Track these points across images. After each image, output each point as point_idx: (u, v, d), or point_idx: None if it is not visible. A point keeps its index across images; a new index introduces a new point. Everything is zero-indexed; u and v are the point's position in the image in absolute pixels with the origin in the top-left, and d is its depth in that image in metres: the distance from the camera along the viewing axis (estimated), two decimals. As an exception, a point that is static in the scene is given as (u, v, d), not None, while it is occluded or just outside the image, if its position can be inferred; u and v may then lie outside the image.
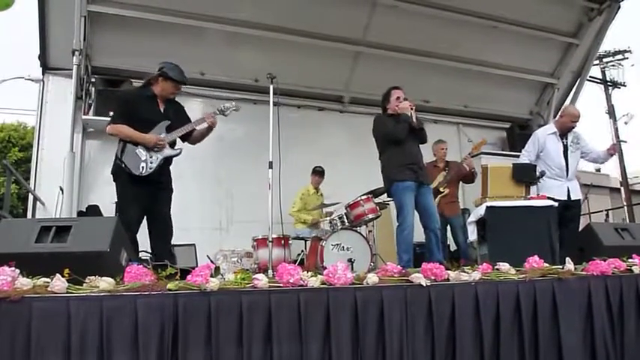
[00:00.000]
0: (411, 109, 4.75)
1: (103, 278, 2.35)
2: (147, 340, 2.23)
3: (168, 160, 4.27)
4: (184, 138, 4.40)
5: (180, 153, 4.34)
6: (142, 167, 4.09)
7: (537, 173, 4.86)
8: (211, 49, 7.02)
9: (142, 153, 4.11)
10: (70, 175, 5.88)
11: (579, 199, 5.25)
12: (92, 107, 6.54)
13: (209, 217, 6.98)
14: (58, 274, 2.30)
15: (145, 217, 4.16)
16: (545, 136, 5.23)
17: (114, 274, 2.43)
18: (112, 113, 4.38)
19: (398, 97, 4.91)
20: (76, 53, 5.92)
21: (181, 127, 4.28)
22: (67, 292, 2.27)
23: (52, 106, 6.63)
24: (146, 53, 6.75)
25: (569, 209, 5.07)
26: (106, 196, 5.87)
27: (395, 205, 4.80)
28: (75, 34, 5.89)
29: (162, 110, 4.30)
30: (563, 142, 5.20)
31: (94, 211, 5.87)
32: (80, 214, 5.92)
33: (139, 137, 4.11)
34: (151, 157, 4.14)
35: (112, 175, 4.19)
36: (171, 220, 4.30)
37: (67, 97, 6.11)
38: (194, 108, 7.40)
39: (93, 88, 6.59)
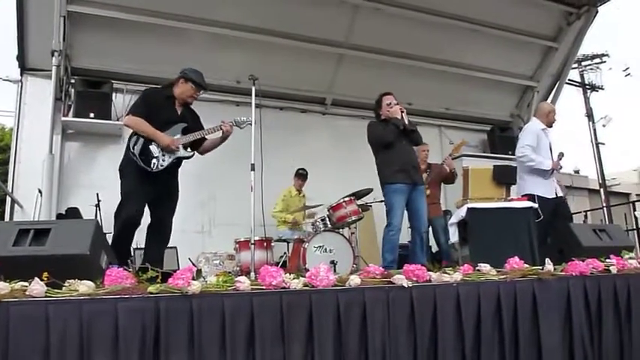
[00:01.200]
0: (402, 112, 4.85)
1: (83, 282, 2.32)
2: (128, 344, 2.21)
3: (178, 162, 4.29)
4: (195, 146, 4.42)
5: (192, 155, 4.38)
6: (154, 164, 4.09)
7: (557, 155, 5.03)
8: (193, 51, 6.97)
9: (154, 150, 4.11)
10: (49, 178, 5.80)
11: (562, 195, 5.33)
12: (72, 109, 6.47)
13: (191, 219, 6.92)
14: (36, 278, 2.26)
15: (150, 217, 4.19)
16: (539, 130, 5.24)
17: (94, 277, 2.40)
18: (131, 104, 4.39)
19: (389, 103, 4.99)
20: (56, 54, 5.84)
21: (194, 132, 4.32)
22: (46, 296, 2.24)
23: (30, 107, 6.54)
24: (127, 54, 6.72)
25: (561, 205, 5.15)
26: (85, 199, 5.82)
27: (385, 206, 4.84)
28: (54, 35, 5.82)
29: (179, 112, 4.33)
30: (548, 139, 5.24)
31: (73, 213, 5.81)
32: (59, 216, 5.85)
33: (154, 134, 4.10)
34: (163, 155, 4.15)
35: (119, 171, 4.15)
36: (171, 229, 4.33)
37: (46, 99, 6.02)
38: (176, 109, 7.38)
39: (72, 90, 6.52)
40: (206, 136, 4.42)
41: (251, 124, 4.48)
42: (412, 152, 5.01)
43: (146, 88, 4.81)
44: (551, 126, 5.29)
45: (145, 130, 4.10)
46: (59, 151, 6.41)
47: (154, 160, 4.10)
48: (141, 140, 4.10)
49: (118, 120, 6.61)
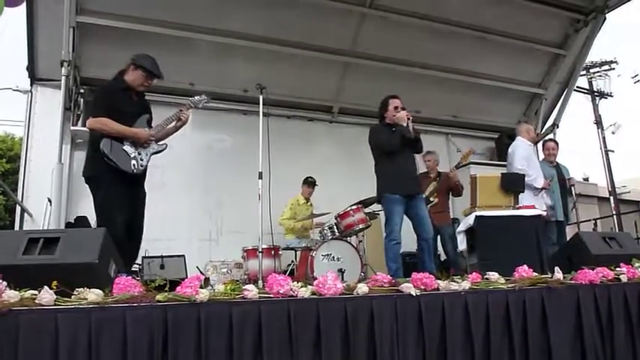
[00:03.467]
0: (408, 119, 4.78)
1: (92, 290, 2.33)
2: (136, 352, 2.21)
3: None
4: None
5: (165, 148, 4.12)
6: (134, 165, 3.82)
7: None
8: (201, 60, 7.03)
9: (129, 149, 3.83)
10: (58, 187, 5.83)
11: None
12: (81, 118, 6.51)
13: (198, 227, 6.95)
14: (45, 286, 2.28)
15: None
16: (528, 146, 5.33)
17: (103, 285, 2.41)
18: (91, 106, 4.03)
19: (396, 107, 4.93)
20: (65, 64, 5.89)
21: (160, 123, 4.07)
22: (55, 305, 2.25)
23: (40, 117, 6.60)
24: (136, 64, 6.75)
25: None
26: (94, 208, 5.84)
27: (384, 215, 4.82)
28: (64, 45, 5.86)
29: (137, 103, 4.06)
30: (538, 156, 5.32)
31: (82, 222, 5.83)
32: (68, 225, 5.88)
33: (130, 132, 3.82)
34: (139, 153, 3.89)
35: (88, 179, 3.86)
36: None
37: (55, 108, 6.06)
38: (184, 118, 7.42)
39: (81, 99, 6.56)
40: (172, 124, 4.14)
41: (207, 102, 4.34)
42: (414, 162, 4.98)
43: (98, 85, 4.41)
44: (535, 143, 5.36)
45: (117, 129, 3.76)
46: (68, 161, 6.45)
47: (133, 162, 3.81)
48: (112, 142, 3.76)
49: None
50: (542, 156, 6.33)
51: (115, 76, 4.11)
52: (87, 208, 6.14)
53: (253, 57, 7.11)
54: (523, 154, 5.38)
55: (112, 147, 3.77)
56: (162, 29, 6.52)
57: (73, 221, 6.00)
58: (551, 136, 8.52)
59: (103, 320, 2.23)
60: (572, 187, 6.03)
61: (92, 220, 5.77)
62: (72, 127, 6.42)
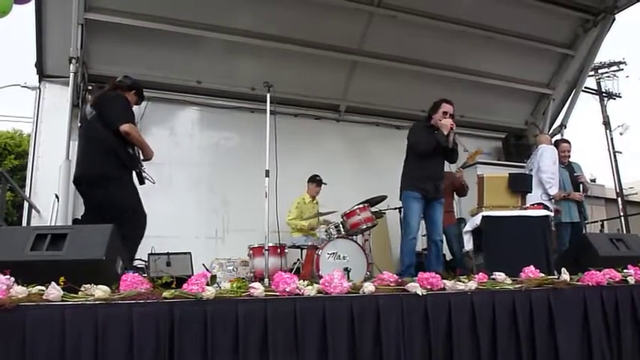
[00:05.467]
0: (451, 129, 4.81)
1: (99, 286, 2.34)
2: (142, 349, 2.22)
3: None
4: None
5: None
6: (146, 177, 4.17)
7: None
8: (208, 58, 7.04)
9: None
10: (65, 183, 5.84)
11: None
12: (88, 115, 6.53)
13: (205, 225, 6.96)
14: (53, 282, 2.29)
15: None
16: (554, 153, 5.54)
17: (109, 282, 2.42)
18: (120, 111, 4.04)
19: (445, 112, 4.92)
20: (73, 61, 5.91)
21: None
22: (62, 301, 2.26)
23: (48, 113, 6.62)
24: (143, 61, 6.78)
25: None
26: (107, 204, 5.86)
27: (403, 211, 4.86)
28: (72, 42, 5.89)
29: None
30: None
31: (89, 219, 5.84)
32: (76, 222, 5.89)
33: (147, 147, 4.11)
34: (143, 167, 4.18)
35: (109, 180, 3.87)
36: None
37: (63, 105, 6.08)
38: (191, 116, 7.45)
39: (89, 96, 6.58)
40: None
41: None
42: (442, 170, 5.02)
43: (119, 95, 4.32)
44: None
45: (142, 140, 4.06)
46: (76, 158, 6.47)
47: (145, 174, 4.15)
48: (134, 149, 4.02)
49: (134, 126, 6.67)
50: None
51: (110, 88, 4.32)
52: (94, 204, 6.20)
53: (261, 55, 7.12)
54: (552, 159, 5.64)
55: (137, 152, 4.11)
56: (170, 27, 6.53)
57: (80, 218, 6.01)
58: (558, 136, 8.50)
59: (109, 316, 2.24)
60: (581, 185, 5.99)
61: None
62: (80, 124, 6.44)
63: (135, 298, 2.34)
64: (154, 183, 4.24)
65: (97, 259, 2.64)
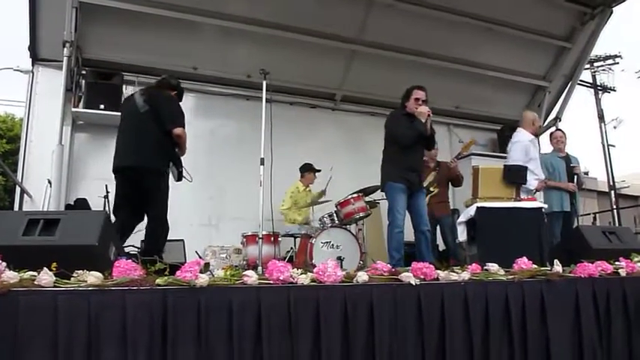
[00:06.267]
0: (428, 115, 4.77)
1: (91, 272, 2.32)
2: (135, 335, 2.21)
3: None
4: None
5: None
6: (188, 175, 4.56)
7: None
8: (205, 44, 6.98)
9: None
10: (58, 168, 5.82)
11: None
12: (82, 100, 6.48)
13: (198, 212, 6.94)
14: (45, 268, 2.27)
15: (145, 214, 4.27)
16: (527, 142, 5.25)
17: (102, 268, 2.41)
18: (176, 114, 4.39)
19: (417, 99, 4.89)
20: (67, 45, 5.84)
21: None
22: (55, 286, 2.25)
23: (41, 97, 6.55)
24: (138, 46, 6.73)
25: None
26: (94, 190, 5.84)
27: (387, 203, 4.82)
28: (66, 26, 5.81)
29: None
30: (537, 149, 5.23)
31: (82, 204, 5.83)
32: (68, 207, 5.87)
33: (185, 147, 4.45)
34: None
35: (161, 173, 4.25)
36: None
37: (56, 89, 6.02)
38: (186, 102, 7.35)
39: (83, 81, 6.52)
40: None
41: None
42: (422, 157, 5.00)
43: (173, 98, 4.64)
44: (537, 135, 5.26)
45: (185, 143, 4.41)
46: (69, 142, 6.43)
47: (184, 173, 4.49)
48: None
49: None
50: (546, 148, 6.31)
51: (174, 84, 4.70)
52: (87, 190, 6.18)
53: (258, 42, 7.06)
54: (521, 150, 5.26)
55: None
56: (166, 11, 6.46)
57: (72, 203, 5.99)
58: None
59: (102, 303, 2.23)
60: (576, 176, 5.98)
61: (92, 202, 5.79)
62: (73, 109, 6.39)
63: (128, 285, 2.33)
64: (190, 181, 4.52)
65: (89, 245, 2.63)
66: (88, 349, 2.16)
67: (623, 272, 3.64)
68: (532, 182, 5.03)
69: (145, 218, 4.25)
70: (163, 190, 4.21)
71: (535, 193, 5.15)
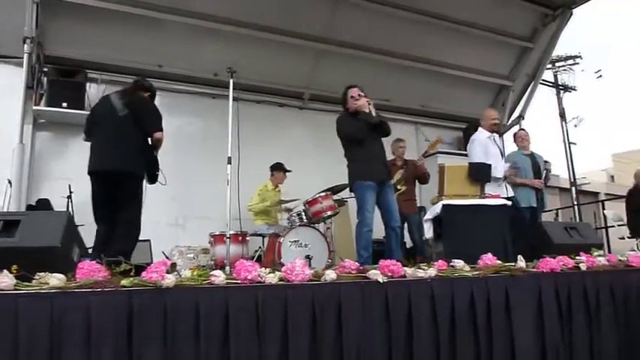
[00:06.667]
0: (369, 104, 4.83)
1: (54, 275, 2.27)
2: (100, 338, 2.17)
3: None
4: None
5: None
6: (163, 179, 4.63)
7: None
8: (170, 42, 6.89)
9: None
10: (19, 168, 5.66)
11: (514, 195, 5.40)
12: (44, 98, 6.32)
13: (165, 212, 6.83)
14: (5, 270, 2.21)
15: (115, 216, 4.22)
16: (485, 140, 5.35)
17: (65, 270, 2.35)
18: (156, 119, 4.47)
19: (352, 96, 4.97)
20: (28, 41, 5.70)
21: None
22: (15, 289, 2.18)
23: (0, 95, 6.36)
24: (102, 43, 6.59)
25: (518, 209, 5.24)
26: (57, 190, 5.71)
27: (356, 202, 4.84)
28: (26, 21, 5.67)
29: None
30: (498, 146, 5.33)
31: (44, 205, 5.69)
32: (30, 208, 5.72)
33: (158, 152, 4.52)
34: None
35: (139, 178, 4.29)
36: None
37: (17, 87, 5.86)
38: (151, 101, 7.27)
39: (45, 78, 6.36)
40: None
41: None
42: (382, 147, 5.01)
43: (149, 101, 4.70)
44: (496, 131, 5.37)
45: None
46: (30, 141, 6.26)
47: (160, 176, 4.57)
48: None
49: (91, 110, 6.46)
50: (512, 147, 6.45)
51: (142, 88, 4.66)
52: (49, 190, 6.03)
53: (225, 40, 7.01)
54: (479, 148, 5.34)
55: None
56: (130, 8, 6.35)
57: (34, 204, 5.84)
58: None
59: (65, 306, 2.17)
60: (546, 171, 6.13)
61: (54, 202, 5.66)
62: (34, 107, 6.22)
63: (92, 287, 2.28)
64: (163, 184, 4.54)
65: (52, 247, 2.57)
66: (51, 353, 2.10)
67: (583, 267, 3.74)
68: (499, 169, 5.10)
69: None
70: (139, 195, 4.24)
71: (504, 180, 5.23)
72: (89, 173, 4.23)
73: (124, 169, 4.18)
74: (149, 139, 4.38)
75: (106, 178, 4.19)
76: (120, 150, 4.20)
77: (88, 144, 4.40)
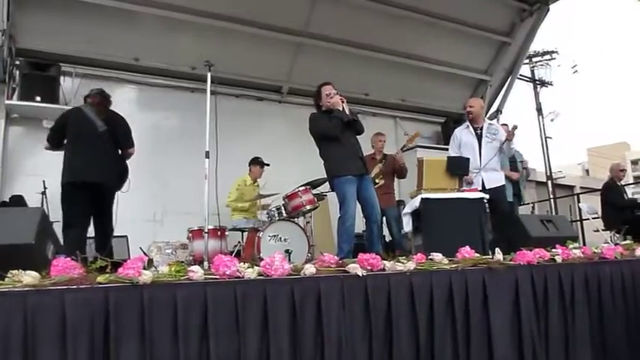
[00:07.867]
0: (342, 102, 4.82)
1: (28, 272, 2.22)
2: (76, 336, 2.13)
3: None
4: None
5: None
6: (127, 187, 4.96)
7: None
8: (147, 35, 6.80)
9: None
10: (-10, 163, 5.55)
11: (496, 187, 5.28)
12: (16, 92, 6.19)
13: (142, 208, 6.75)
14: (-23, 268, 2.16)
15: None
16: (461, 131, 5.44)
17: (39, 267, 2.30)
18: (131, 136, 5.00)
19: (328, 94, 4.94)
20: (-1, 34, 5.57)
21: None
22: (-13, 287, 2.14)
23: (-31, 89, 6.23)
24: (76, 36, 6.49)
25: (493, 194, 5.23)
26: (31, 186, 5.60)
27: (337, 198, 4.83)
28: (-4, 13, 5.54)
29: None
30: (476, 134, 5.37)
31: (18, 201, 5.58)
32: (3, 204, 5.61)
33: None
34: None
35: (117, 189, 4.76)
36: None
37: (-13, 81, 5.75)
38: (128, 95, 7.18)
39: (17, 72, 6.23)
40: None
41: None
42: (356, 143, 4.99)
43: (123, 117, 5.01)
44: (472, 123, 5.42)
45: None
46: (2, 137, 6.16)
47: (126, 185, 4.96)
48: None
49: (66, 104, 6.34)
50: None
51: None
52: (23, 186, 5.91)
53: (202, 33, 6.95)
54: (452, 143, 5.50)
55: None
56: (106, 0, 6.24)
57: (7, 200, 5.73)
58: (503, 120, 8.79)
59: (39, 304, 2.13)
60: (525, 170, 6.23)
61: (29, 199, 5.55)
62: (6, 102, 6.10)
63: (67, 284, 2.23)
64: (125, 192, 4.84)
65: (25, 244, 2.52)
66: (25, 352, 2.06)
67: (559, 259, 3.79)
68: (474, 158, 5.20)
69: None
70: (113, 207, 4.73)
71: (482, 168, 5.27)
72: (72, 185, 4.42)
73: (111, 182, 4.64)
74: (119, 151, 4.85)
75: (92, 188, 4.48)
76: (104, 164, 4.59)
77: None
